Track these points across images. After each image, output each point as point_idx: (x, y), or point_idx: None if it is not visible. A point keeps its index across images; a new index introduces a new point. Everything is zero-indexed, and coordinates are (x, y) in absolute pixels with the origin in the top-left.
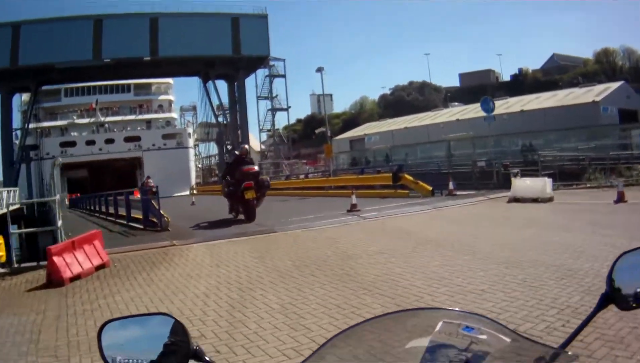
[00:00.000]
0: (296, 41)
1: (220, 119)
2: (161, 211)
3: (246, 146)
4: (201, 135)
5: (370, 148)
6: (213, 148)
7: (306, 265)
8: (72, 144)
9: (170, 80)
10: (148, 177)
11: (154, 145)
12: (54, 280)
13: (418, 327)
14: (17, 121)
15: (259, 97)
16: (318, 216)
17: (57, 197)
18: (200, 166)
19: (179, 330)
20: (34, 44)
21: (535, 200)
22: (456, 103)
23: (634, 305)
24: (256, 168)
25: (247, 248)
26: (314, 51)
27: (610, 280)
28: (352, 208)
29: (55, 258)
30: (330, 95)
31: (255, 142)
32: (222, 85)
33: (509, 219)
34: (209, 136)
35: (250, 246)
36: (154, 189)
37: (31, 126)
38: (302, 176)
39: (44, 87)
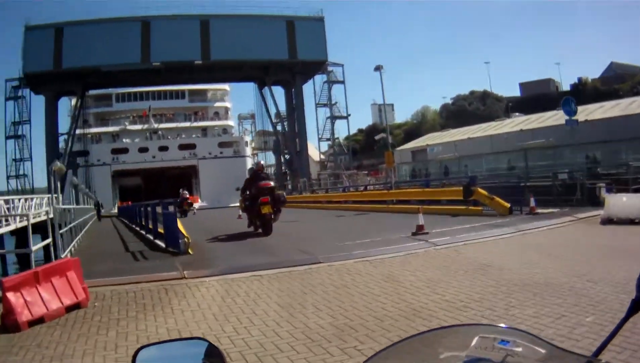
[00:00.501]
0: (354, 50)
1: (279, 127)
2: (182, 230)
3: (262, 162)
4: (259, 144)
5: (435, 158)
6: (271, 158)
7: (351, 326)
8: (124, 151)
9: (226, 86)
10: (183, 189)
11: (209, 153)
12: (8, 324)
13: (455, 343)
14: (66, 125)
15: (317, 105)
16: (376, 240)
17: (50, 207)
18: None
19: (214, 354)
20: (78, 47)
21: (632, 221)
22: (517, 113)
23: None
24: (272, 183)
25: (275, 290)
26: (372, 60)
27: (639, 286)
28: (419, 230)
29: (9, 295)
30: (392, 105)
31: (315, 151)
32: (279, 92)
33: (620, 249)
34: (266, 145)
35: (281, 285)
36: (189, 201)
37: (79, 131)
38: (361, 188)
39: (92, 92)
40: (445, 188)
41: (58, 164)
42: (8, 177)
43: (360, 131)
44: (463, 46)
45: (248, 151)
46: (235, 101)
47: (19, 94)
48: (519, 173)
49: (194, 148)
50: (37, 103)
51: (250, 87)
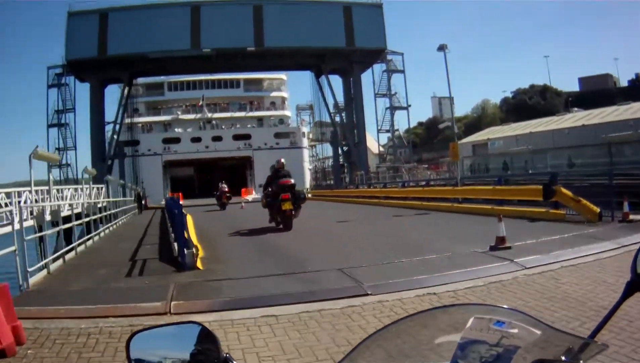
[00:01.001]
0: (411, 42)
1: (337, 118)
2: (192, 237)
3: (282, 160)
4: (316, 135)
5: (506, 150)
6: (328, 149)
7: None
8: (176, 140)
9: (283, 75)
10: (222, 181)
11: (265, 144)
12: None
13: (450, 324)
14: (114, 114)
15: (376, 95)
16: (443, 257)
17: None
18: (313, 168)
19: (208, 338)
20: (124, 33)
21: None
22: (575, 108)
23: None
24: (292, 180)
25: (291, 346)
26: (429, 53)
27: (634, 267)
28: (499, 244)
29: None
30: (452, 98)
31: (374, 143)
32: (336, 81)
33: None
34: (324, 136)
35: (302, 338)
36: (227, 195)
37: (128, 120)
38: (422, 184)
39: (142, 80)
40: (518, 186)
41: (89, 168)
42: (50, 166)
43: (420, 124)
44: (522, 39)
45: (305, 142)
46: (292, 91)
47: (63, 81)
48: (603, 169)
49: (249, 139)
50: (83, 91)
51: (307, 77)
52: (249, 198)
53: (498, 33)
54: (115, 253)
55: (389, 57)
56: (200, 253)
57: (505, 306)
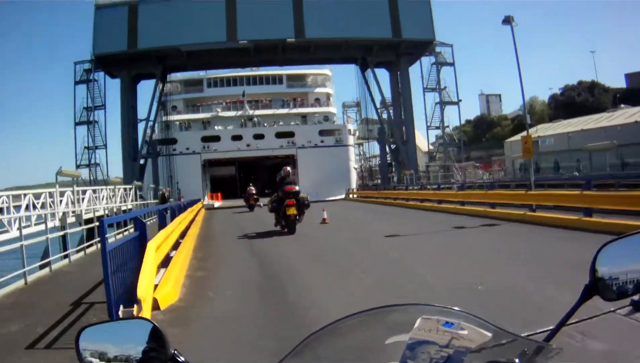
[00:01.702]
0: (458, 36)
1: (384, 115)
2: (149, 276)
3: (288, 168)
4: (363, 133)
5: (583, 146)
6: (375, 147)
7: None
8: (216, 138)
9: (327, 71)
10: (250, 184)
11: (309, 142)
12: None
13: (397, 323)
14: (148, 112)
15: (425, 89)
16: (554, 317)
17: None
18: (359, 167)
19: (157, 336)
20: (155, 25)
21: None
22: (622, 105)
23: (618, 295)
24: (297, 187)
25: None
26: (474, 49)
27: (593, 271)
28: None
29: None
30: (499, 95)
31: (422, 141)
32: (383, 75)
33: None
34: (370, 133)
35: None
36: (255, 197)
37: (163, 118)
38: (484, 187)
39: (180, 76)
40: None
41: (112, 178)
42: (78, 166)
43: (467, 121)
44: (568, 34)
45: (351, 140)
46: (338, 88)
47: (92, 77)
48: None
49: (293, 136)
50: (114, 88)
51: (352, 74)
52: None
53: (542, 28)
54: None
55: (437, 49)
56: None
57: (455, 307)
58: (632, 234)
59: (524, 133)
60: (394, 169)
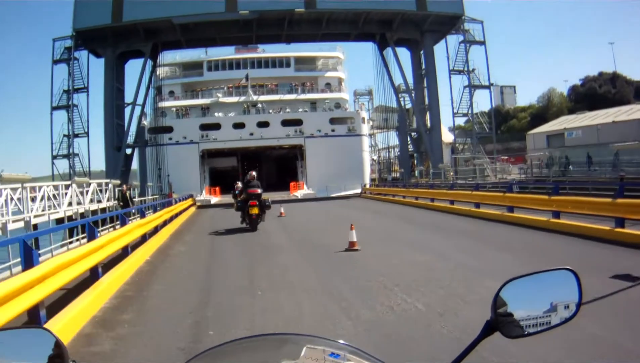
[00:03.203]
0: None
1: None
2: None
3: (253, 173)
4: (378, 121)
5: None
6: (392, 138)
7: None
8: (216, 126)
9: (339, 53)
10: (236, 182)
11: (319, 131)
12: None
13: (283, 352)
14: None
15: (451, 71)
16: None
17: None
18: (377, 159)
19: (55, 345)
20: None
21: None
22: None
23: (519, 333)
24: (259, 190)
25: None
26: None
27: (494, 307)
28: None
29: None
30: (514, 86)
31: (443, 130)
32: (403, 57)
33: None
34: (387, 122)
35: None
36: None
37: (159, 103)
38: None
39: (178, 58)
40: None
41: (77, 179)
42: (54, 157)
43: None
44: (584, 26)
45: (365, 129)
46: (349, 74)
47: (73, 56)
48: None
49: (300, 124)
50: (100, 69)
51: (364, 58)
52: (299, 193)
53: (560, 20)
54: None
55: (466, 25)
56: None
57: (340, 341)
58: (535, 273)
59: (549, 124)
60: (415, 162)
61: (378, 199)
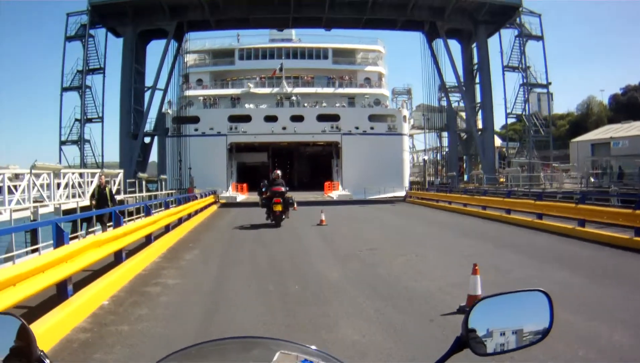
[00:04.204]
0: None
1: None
2: None
3: (278, 172)
4: (419, 121)
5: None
6: (431, 138)
7: None
8: (246, 118)
9: (380, 47)
10: (263, 180)
11: (357, 128)
12: None
13: (255, 356)
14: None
15: (505, 68)
16: None
17: None
18: (426, 160)
19: (24, 333)
20: None
21: None
22: None
23: (488, 351)
24: (283, 188)
25: None
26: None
27: (466, 324)
28: None
29: None
30: (551, 93)
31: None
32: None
33: None
34: (429, 122)
35: None
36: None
37: (177, 89)
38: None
39: (208, 45)
40: None
41: (106, 170)
42: (62, 143)
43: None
44: (616, 36)
45: (406, 128)
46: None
47: (87, 33)
48: None
49: (337, 120)
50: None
51: (405, 54)
52: (334, 195)
53: (594, 31)
54: None
55: (523, 18)
56: None
57: (312, 347)
58: (508, 293)
59: (593, 133)
60: (464, 165)
61: (428, 206)
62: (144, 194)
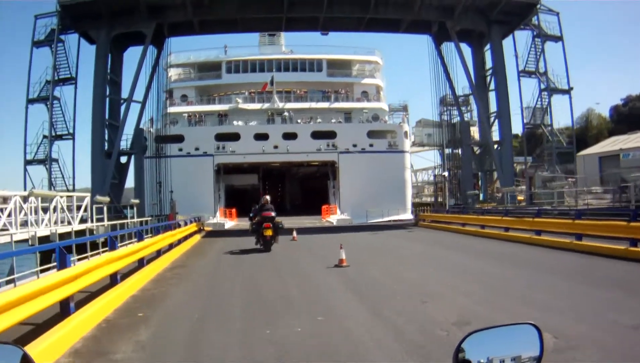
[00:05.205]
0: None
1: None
2: None
3: (267, 197)
4: (420, 138)
5: None
6: (432, 155)
7: None
8: (235, 137)
9: (378, 58)
10: (256, 204)
11: (355, 146)
12: None
13: None
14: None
15: (521, 73)
16: None
17: None
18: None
19: (26, 361)
20: None
21: None
22: None
23: None
24: (273, 213)
25: None
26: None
27: (456, 356)
28: None
29: None
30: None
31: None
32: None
33: None
34: (430, 138)
35: None
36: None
37: (157, 104)
38: None
39: (193, 57)
40: None
41: (98, 197)
42: (28, 162)
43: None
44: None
45: (407, 145)
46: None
47: (57, 37)
48: None
49: (334, 137)
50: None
51: (402, 65)
52: (333, 219)
53: (591, 40)
54: None
55: (536, 20)
56: None
57: None
58: (498, 326)
59: (600, 145)
60: (479, 181)
61: (449, 230)
62: (106, 223)
